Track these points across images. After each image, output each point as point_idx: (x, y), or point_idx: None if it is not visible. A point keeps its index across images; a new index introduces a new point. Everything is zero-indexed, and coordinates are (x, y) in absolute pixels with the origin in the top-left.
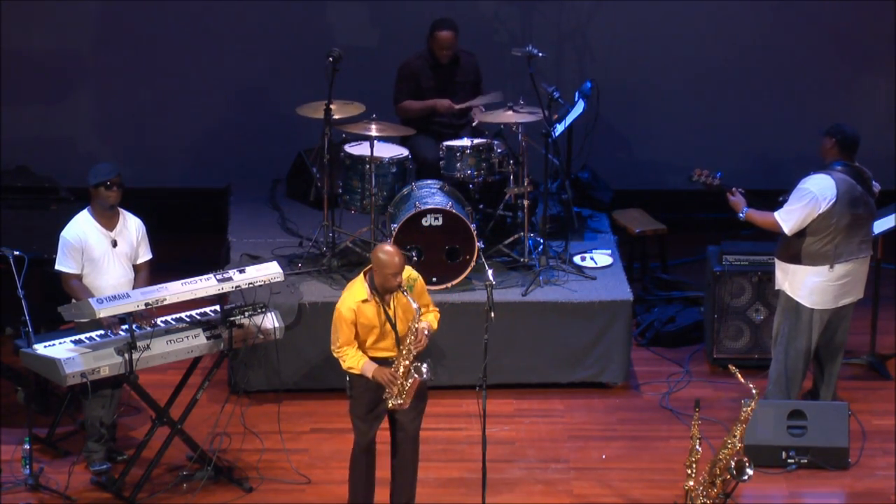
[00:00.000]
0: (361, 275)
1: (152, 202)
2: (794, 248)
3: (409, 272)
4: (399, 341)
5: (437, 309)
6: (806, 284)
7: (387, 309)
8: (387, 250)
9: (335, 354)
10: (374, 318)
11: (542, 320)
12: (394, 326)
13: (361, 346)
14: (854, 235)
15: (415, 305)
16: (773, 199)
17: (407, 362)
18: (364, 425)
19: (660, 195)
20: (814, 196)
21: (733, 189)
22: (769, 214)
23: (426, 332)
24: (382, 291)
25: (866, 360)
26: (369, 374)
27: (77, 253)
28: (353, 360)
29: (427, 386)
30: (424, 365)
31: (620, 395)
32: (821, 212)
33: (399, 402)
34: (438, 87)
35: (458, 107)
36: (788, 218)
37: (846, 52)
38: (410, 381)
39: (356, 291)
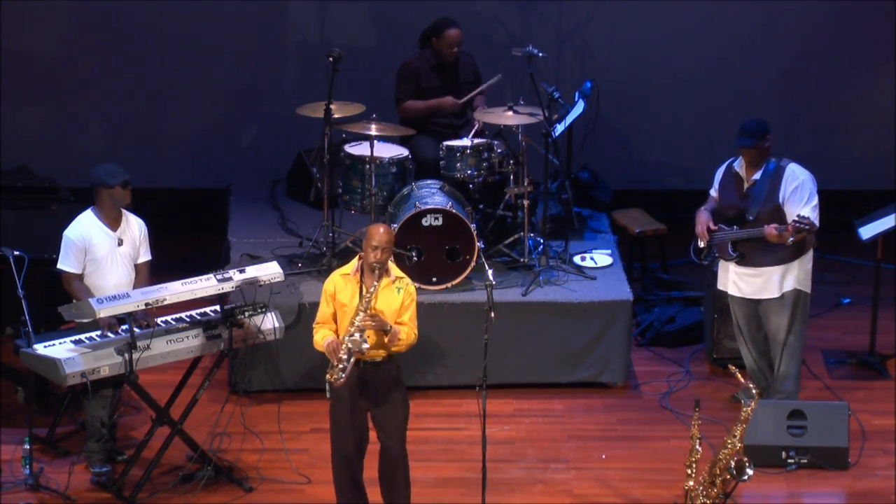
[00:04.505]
0: (357, 255)
1: (152, 202)
2: (800, 243)
3: (406, 281)
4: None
5: (416, 333)
6: (809, 271)
7: (363, 290)
8: (376, 224)
9: None
10: (350, 297)
11: (542, 320)
12: (361, 306)
13: (339, 331)
14: None
15: (373, 286)
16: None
17: (349, 337)
18: (340, 433)
19: (660, 195)
20: (814, 182)
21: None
22: (796, 218)
23: (377, 320)
24: (369, 271)
25: (863, 359)
26: (323, 348)
27: (80, 253)
28: (318, 336)
29: (406, 399)
30: (362, 339)
31: (620, 395)
32: None
33: (336, 378)
34: (439, 87)
35: (462, 100)
36: (816, 213)
37: (846, 51)
38: (346, 355)
39: (345, 267)
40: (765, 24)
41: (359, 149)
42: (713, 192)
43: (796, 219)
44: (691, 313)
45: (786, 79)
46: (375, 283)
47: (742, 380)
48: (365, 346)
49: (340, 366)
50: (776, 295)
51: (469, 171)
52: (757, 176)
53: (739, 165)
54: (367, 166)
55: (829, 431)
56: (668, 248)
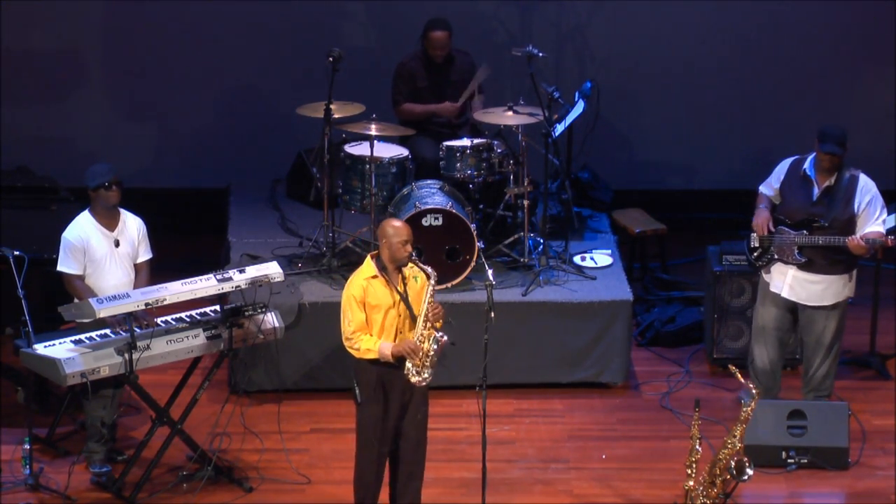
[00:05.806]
0: (368, 257)
1: (152, 202)
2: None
3: (413, 269)
4: (415, 319)
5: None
6: (855, 277)
7: (396, 287)
8: (393, 222)
9: (347, 345)
10: (384, 297)
11: (542, 320)
12: (407, 303)
13: (377, 335)
14: None
15: (428, 269)
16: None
17: (426, 332)
18: (374, 437)
19: (660, 195)
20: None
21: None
22: (882, 233)
23: (442, 311)
24: (392, 268)
25: (863, 359)
26: (388, 352)
27: (79, 254)
28: (369, 343)
29: (427, 391)
30: (441, 334)
31: (620, 395)
32: None
33: (422, 377)
34: (434, 87)
35: (458, 103)
36: (885, 226)
37: (846, 51)
38: (433, 349)
39: (364, 271)
40: (764, 24)
41: (359, 149)
42: (769, 191)
43: None
44: (691, 313)
45: (785, 79)
46: (432, 278)
47: (742, 380)
48: (446, 338)
49: (428, 363)
50: (831, 303)
51: (469, 171)
52: (830, 182)
53: (812, 169)
54: (367, 166)
55: (829, 431)
56: (668, 248)
